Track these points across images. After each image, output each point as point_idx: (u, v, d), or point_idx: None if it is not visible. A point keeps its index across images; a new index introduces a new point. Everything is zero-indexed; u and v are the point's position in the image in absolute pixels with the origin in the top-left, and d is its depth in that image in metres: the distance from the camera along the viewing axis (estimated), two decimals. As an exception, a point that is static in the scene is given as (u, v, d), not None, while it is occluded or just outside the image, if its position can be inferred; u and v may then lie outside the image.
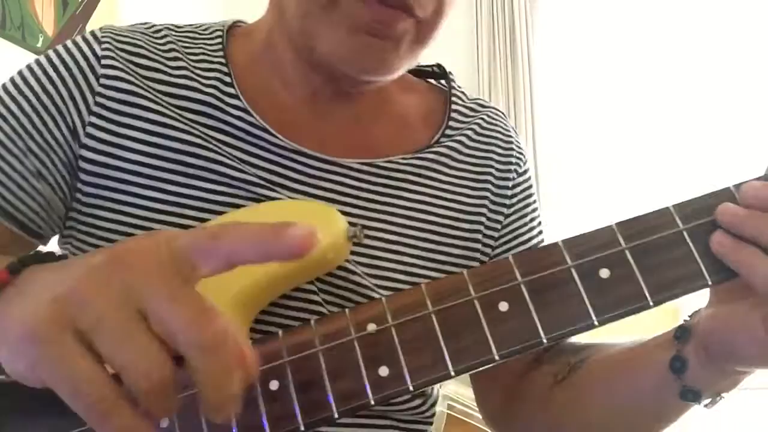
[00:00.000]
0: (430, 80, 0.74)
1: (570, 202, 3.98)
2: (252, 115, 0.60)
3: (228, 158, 0.58)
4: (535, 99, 3.98)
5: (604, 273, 0.44)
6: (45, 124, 0.58)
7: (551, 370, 0.65)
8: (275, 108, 0.62)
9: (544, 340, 0.44)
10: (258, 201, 0.58)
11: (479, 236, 0.66)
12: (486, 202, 0.67)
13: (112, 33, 0.61)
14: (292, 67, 0.62)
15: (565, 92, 4.05)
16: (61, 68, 0.59)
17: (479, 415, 0.76)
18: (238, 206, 0.58)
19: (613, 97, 4.00)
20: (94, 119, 0.58)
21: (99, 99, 0.58)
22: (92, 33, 0.62)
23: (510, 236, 0.69)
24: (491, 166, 0.68)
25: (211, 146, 0.58)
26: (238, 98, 0.60)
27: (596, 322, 0.44)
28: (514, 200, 0.69)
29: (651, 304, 0.43)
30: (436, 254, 0.63)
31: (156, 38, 0.63)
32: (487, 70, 4.07)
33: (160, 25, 0.66)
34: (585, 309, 0.44)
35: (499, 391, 0.70)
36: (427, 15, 0.56)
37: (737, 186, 0.45)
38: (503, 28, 4.06)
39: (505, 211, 0.68)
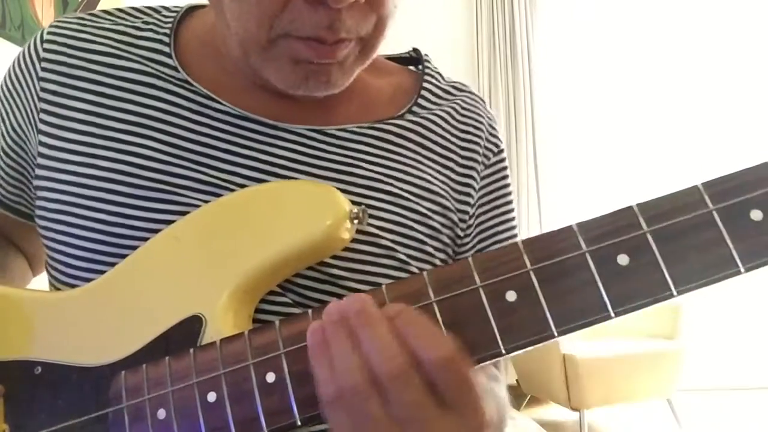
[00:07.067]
0: (410, 67, 0.71)
1: (569, 200, 3.96)
2: (193, 84, 0.59)
3: (166, 131, 0.57)
4: (535, 99, 3.97)
5: (623, 259, 0.40)
6: (15, 119, 0.61)
7: None
8: (219, 78, 0.60)
9: (555, 334, 0.41)
10: (198, 171, 0.56)
11: (442, 219, 0.62)
12: (447, 188, 0.63)
13: (59, 20, 0.62)
14: (237, 61, 0.59)
15: (565, 92, 4.04)
16: (20, 62, 0.61)
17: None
18: (169, 181, 0.55)
19: (613, 96, 3.99)
20: (43, 105, 0.59)
21: (43, 84, 0.59)
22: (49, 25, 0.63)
23: (478, 229, 0.65)
24: (455, 152, 0.65)
25: (147, 120, 0.57)
26: (177, 69, 0.59)
27: (613, 315, 0.40)
28: (483, 192, 0.65)
29: (675, 294, 0.39)
30: (402, 227, 0.59)
31: (105, 18, 0.62)
32: (487, 70, 4.05)
33: (132, 8, 0.64)
34: (601, 300, 0.40)
35: None
36: (369, 31, 0.54)
37: None
38: (503, 28, 4.03)
39: (471, 201, 0.64)
